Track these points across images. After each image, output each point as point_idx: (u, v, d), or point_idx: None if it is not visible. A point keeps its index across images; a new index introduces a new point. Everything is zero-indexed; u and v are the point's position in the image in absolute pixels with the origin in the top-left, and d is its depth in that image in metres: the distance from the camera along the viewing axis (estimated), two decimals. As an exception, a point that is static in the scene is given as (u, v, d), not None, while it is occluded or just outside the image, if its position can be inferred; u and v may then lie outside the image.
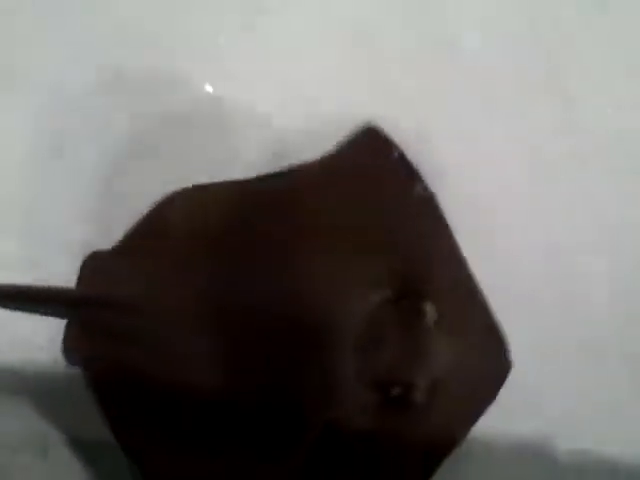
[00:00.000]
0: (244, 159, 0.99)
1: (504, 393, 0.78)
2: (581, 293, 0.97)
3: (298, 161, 0.87)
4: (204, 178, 0.89)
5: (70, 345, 0.83)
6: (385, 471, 0.77)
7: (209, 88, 1.02)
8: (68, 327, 0.84)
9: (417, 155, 0.86)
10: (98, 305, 0.84)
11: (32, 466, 0.91)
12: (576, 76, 1.04)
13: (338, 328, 0.77)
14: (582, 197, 1.01)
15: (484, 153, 1.02)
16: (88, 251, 0.87)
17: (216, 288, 0.81)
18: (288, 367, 0.77)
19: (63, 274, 0.85)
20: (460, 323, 0.79)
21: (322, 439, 0.76)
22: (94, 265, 0.87)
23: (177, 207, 0.87)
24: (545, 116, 1.03)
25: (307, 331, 0.77)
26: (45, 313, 0.84)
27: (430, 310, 0.78)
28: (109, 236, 0.88)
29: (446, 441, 0.77)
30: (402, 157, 0.84)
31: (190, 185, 0.88)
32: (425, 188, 0.84)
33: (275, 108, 1.01)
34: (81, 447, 0.91)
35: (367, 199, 0.84)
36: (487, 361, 0.79)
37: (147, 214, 0.87)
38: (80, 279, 0.86)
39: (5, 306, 0.82)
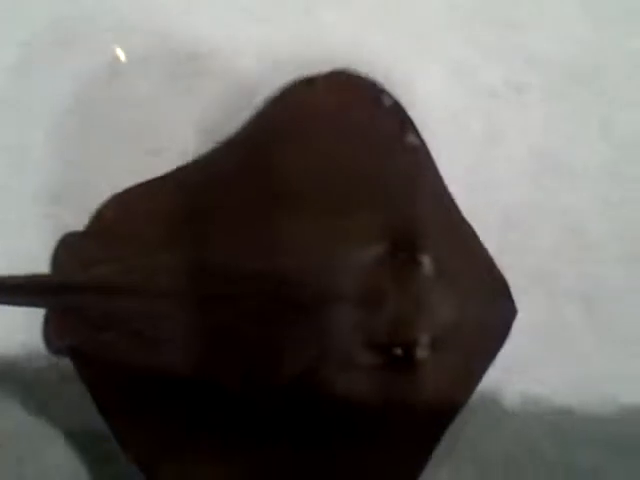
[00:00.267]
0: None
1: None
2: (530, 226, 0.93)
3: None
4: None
5: (52, 334, 0.79)
6: (393, 436, 0.72)
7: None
8: (47, 316, 0.79)
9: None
10: (76, 290, 0.78)
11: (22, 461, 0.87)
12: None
13: (333, 288, 0.72)
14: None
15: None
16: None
17: (197, 264, 0.77)
18: (281, 334, 0.73)
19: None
20: (460, 273, 0.74)
21: (322, 405, 0.72)
22: (68, 248, 0.82)
23: (139, 194, 0.82)
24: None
25: (300, 294, 0.73)
26: (20, 303, 0.79)
27: (428, 261, 0.73)
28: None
29: (455, 397, 0.73)
30: (394, 104, 0.80)
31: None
32: (416, 137, 0.79)
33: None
34: (71, 439, 0.86)
35: (354, 149, 0.79)
36: (491, 309, 0.74)
37: (112, 197, 0.82)
38: (54, 263, 0.82)
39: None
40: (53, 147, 0.94)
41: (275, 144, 0.81)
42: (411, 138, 0.80)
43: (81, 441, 0.85)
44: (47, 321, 0.79)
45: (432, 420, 0.72)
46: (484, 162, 0.94)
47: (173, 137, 0.93)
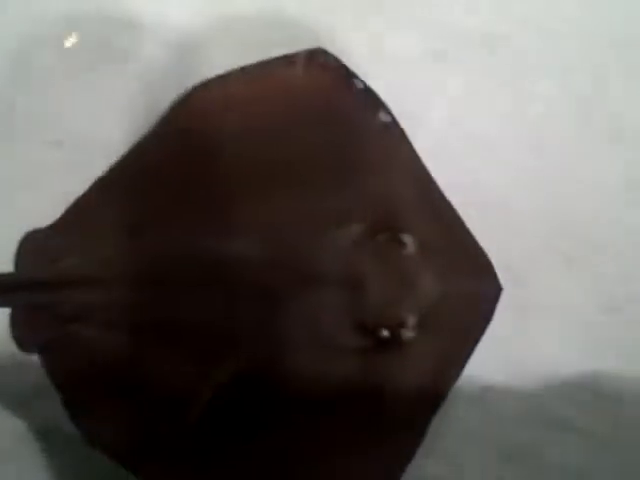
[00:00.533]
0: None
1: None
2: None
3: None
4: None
5: (20, 333, 0.76)
6: (384, 420, 0.71)
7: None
8: (13, 314, 0.76)
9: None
10: (40, 286, 0.76)
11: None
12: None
13: (314, 272, 0.71)
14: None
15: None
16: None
17: (164, 252, 0.75)
18: (261, 318, 0.71)
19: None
20: (442, 251, 0.74)
21: (308, 391, 0.71)
22: (32, 245, 0.79)
23: (112, 182, 0.80)
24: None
25: (280, 279, 0.71)
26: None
27: (410, 241, 0.72)
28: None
29: (444, 377, 0.72)
30: (365, 87, 0.79)
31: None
32: (388, 114, 0.78)
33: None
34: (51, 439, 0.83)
35: (326, 130, 0.78)
36: (476, 287, 0.73)
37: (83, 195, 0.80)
38: (18, 261, 0.78)
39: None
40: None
41: (246, 125, 0.78)
42: (383, 116, 0.79)
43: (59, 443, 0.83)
44: (15, 319, 0.76)
45: (422, 402, 0.71)
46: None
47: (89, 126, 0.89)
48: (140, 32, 0.93)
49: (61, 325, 0.75)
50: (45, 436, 0.83)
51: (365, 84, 0.80)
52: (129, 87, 0.90)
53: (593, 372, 0.88)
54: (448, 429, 0.82)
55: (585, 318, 0.88)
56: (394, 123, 0.79)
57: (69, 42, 0.92)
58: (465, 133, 0.91)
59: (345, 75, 0.80)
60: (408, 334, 0.70)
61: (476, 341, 0.72)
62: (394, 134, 0.78)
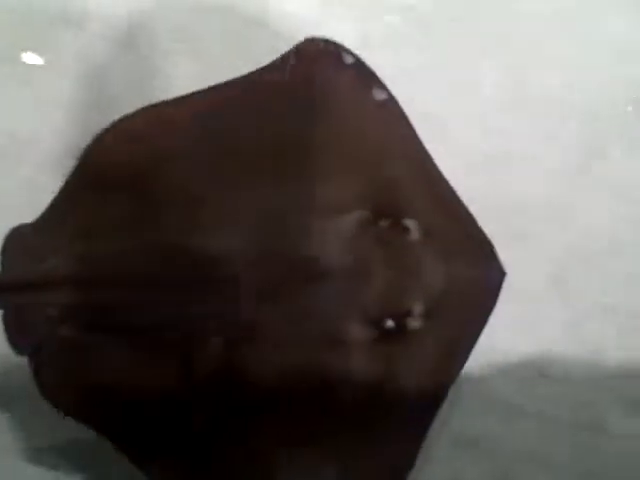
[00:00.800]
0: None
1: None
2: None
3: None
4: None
5: (13, 335, 0.73)
6: (391, 412, 0.70)
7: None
8: (5, 316, 0.74)
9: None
10: (30, 287, 0.73)
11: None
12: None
13: (316, 262, 0.69)
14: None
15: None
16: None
17: (158, 247, 0.72)
18: (261, 312, 0.69)
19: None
20: (445, 235, 0.71)
21: (314, 383, 0.69)
22: (17, 243, 0.75)
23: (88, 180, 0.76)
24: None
25: (281, 270, 0.69)
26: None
27: (413, 226, 0.70)
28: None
29: (450, 366, 0.70)
30: (356, 62, 0.75)
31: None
32: (383, 91, 0.75)
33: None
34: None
35: (322, 115, 0.74)
36: (480, 272, 0.71)
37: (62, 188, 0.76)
38: (4, 261, 0.75)
39: None
40: None
41: (237, 121, 0.75)
42: (378, 93, 0.76)
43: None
44: (7, 321, 0.73)
45: (429, 391, 0.69)
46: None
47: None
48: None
49: (51, 327, 0.72)
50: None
51: (356, 58, 0.76)
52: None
53: (540, 354, 0.88)
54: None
55: (532, 297, 0.88)
56: (390, 100, 0.75)
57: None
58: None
59: (335, 52, 0.76)
60: (414, 323, 0.68)
61: (481, 327, 0.71)
62: (391, 113, 0.75)
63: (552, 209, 0.92)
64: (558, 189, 0.93)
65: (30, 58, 0.92)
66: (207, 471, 0.70)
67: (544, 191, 0.92)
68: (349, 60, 0.75)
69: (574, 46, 0.95)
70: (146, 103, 0.76)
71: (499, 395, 0.87)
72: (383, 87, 0.76)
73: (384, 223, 0.70)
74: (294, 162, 0.72)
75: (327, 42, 0.76)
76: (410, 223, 0.70)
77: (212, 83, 0.76)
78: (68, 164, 0.76)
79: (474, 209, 0.73)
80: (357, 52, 0.76)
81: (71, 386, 0.71)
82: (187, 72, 0.93)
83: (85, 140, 0.76)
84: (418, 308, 0.68)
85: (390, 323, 0.68)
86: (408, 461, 0.69)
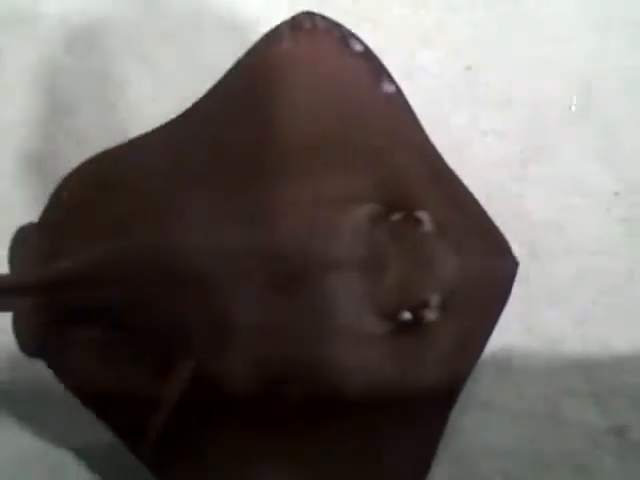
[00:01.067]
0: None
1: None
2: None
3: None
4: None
5: (25, 338, 0.73)
6: (407, 404, 0.69)
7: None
8: (16, 318, 0.73)
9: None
10: (41, 287, 0.72)
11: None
12: None
13: (330, 257, 0.68)
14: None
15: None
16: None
17: (170, 244, 0.71)
18: (275, 308, 0.68)
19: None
20: (457, 227, 0.71)
21: (331, 380, 0.68)
22: (24, 243, 0.75)
23: (103, 168, 0.76)
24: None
25: (294, 266, 0.68)
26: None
27: (426, 218, 0.69)
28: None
29: (466, 358, 0.70)
30: (365, 50, 0.74)
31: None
32: (391, 84, 0.75)
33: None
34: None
35: (329, 105, 0.74)
36: (492, 263, 0.71)
37: (66, 179, 0.76)
38: (12, 261, 0.74)
39: None
40: None
41: (243, 106, 0.74)
42: (386, 86, 0.75)
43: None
44: (17, 323, 0.73)
45: (446, 384, 0.69)
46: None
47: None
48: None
49: (63, 327, 0.71)
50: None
51: (365, 46, 0.75)
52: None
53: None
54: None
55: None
56: (398, 93, 0.75)
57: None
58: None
59: (340, 37, 0.75)
60: (431, 315, 0.68)
61: (496, 318, 0.70)
62: (399, 106, 0.75)
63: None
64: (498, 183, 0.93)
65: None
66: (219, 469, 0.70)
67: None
68: (358, 48, 0.75)
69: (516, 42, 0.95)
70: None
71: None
72: (392, 79, 0.75)
73: (396, 216, 0.69)
74: (300, 154, 0.72)
75: (329, 21, 0.75)
76: (422, 215, 0.69)
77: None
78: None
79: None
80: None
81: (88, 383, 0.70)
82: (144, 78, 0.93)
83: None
84: (435, 299, 0.68)
85: (407, 315, 0.68)
86: (428, 455, 0.69)
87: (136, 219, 0.71)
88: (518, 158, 0.90)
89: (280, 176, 0.71)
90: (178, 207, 0.71)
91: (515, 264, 0.71)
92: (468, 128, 0.94)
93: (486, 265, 0.70)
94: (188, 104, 0.75)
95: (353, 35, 0.75)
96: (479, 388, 0.84)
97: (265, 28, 0.74)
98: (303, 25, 0.75)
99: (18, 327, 0.73)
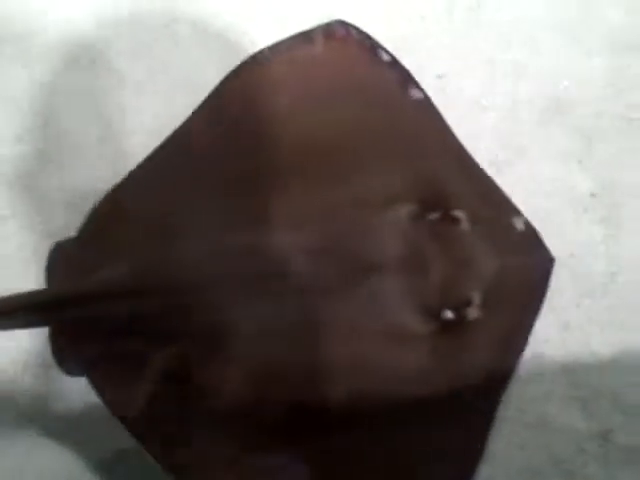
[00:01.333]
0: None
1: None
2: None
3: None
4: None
5: (62, 354, 0.72)
6: (453, 404, 0.69)
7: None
8: (54, 335, 0.73)
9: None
10: (83, 300, 0.71)
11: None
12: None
13: (368, 259, 0.68)
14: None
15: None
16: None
17: (213, 251, 0.71)
18: (316, 312, 0.68)
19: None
20: (492, 225, 0.71)
21: (375, 381, 0.68)
22: (62, 257, 0.76)
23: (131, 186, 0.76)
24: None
25: (334, 270, 0.68)
26: (22, 325, 0.72)
27: (462, 216, 0.70)
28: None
29: (509, 355, 0.70)
30: (392, 60, 0.76)
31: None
32: (419, 90, 0.76)
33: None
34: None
35: (357, 111, 0.75)
36: (529, 260, 0.71)
37: (107, 195, 0.76)
38: (49, 276, 0.74)
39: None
40: None
41: (270, 114, 0.75)
42: (414, 92, 0.77)
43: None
44: (55, 340, 0.73)
45: (491, 382, 0.69)
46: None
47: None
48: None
49: (110, 341, 0.71)
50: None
51: (392, 56, 0.77)
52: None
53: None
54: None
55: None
56: (426, 100, 0.77)
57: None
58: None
59: (370, 47, 0.77)
60: (473, 313, 0.68)
61: (536, 314, 0.71)
62: (427, 111, 0.76)
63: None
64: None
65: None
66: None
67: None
68: (385, 57, 0.77)
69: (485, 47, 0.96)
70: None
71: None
72: (419, 86, 0.77)
73: (433, 215, 0.70)
74: (334, 158, 0.73)
75: (360, 31, 0.77)
76: (459, 214, 0.70)
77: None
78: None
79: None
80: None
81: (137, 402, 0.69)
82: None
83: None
84: (476, 297, 0.68)
85: (449, 314, 0.68)
86: (477, 454, 0.68)
87: (178, 223, 0.72)
88: (494, 162, 0.89)
89: (317, 180, 0.72)
90: (221, 208, 0.72)
91: (551, 260, 0.72)
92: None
93: (523, 262, 0.71)
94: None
95: (381, 46, 0.78)
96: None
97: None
98: (337, 33, 0.77)
99: (56, 343, 0.73)
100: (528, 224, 0.74)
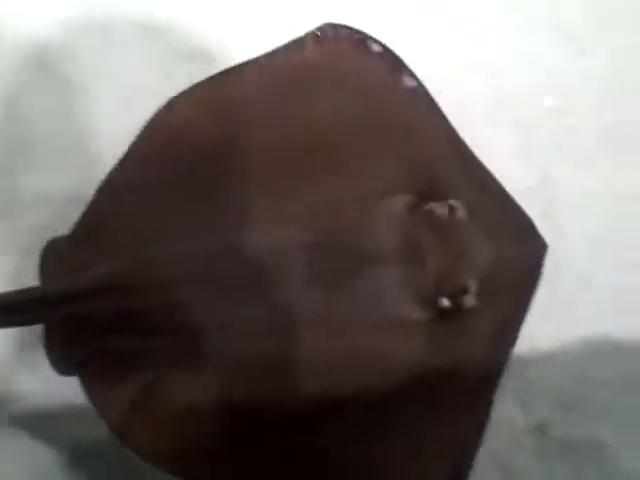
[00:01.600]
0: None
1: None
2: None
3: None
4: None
5: (56, 353, 0.71)
6: (451, 391, 0.69)
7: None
8: (48, 333, 0.72)
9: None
10: (78, 297, 0.70)
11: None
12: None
13: (366, 250, 0.68)
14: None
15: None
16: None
17: (206, 248, 0.70)
18: (316, 304, 0.68)
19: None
20: (487, 213, 0.72)
21: (374, 368, 0.68)
22: (55, 254, 0.74)
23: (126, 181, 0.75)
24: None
25: (333, 262, 0.68)
26: (15, 323, 0.72)
27: (459, 205, 0.70)
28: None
29: (505, 344, 0.70)
30: (383, 49, 0.76)
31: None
32: (412, 78, 0.76)
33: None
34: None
35: (353, 102, 0.75)
36: (523, 248, 0.72)
37: (98, 192, 0.75)
38: (43, 274, 0.73)
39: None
40: None
41: (266, 113, 0.75)
42: (407, 81, 0.77)
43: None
44: (48, 339, 0.72)
45: (488, 370, 0.69)
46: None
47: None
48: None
49: (100, 337, 0.70)
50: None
51: (384, 46, 0.77)
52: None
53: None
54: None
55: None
56: (420, 87, 0.76)
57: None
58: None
59: (360, 40, 0.76)
60: (470, 301, 0.68)
61: (530, 301, 0.71)
62: (422, 99, 0.76)
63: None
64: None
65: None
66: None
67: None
68: (376, 48, 0.76)
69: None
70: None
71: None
72: (412, 74, 0.76)
73: (430, 205, 0.70)
74: (331, 150, 0.72)
75: (350, 29, 0.76)
76: (455, 203, 0.70)
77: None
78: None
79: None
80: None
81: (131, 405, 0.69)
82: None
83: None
84: (474, 285, 0.68)
85: (446, 302, 0.68)
86: (475, 439, 0.69)
87: (172, 219, 0.71)
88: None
89: (314, 173, 0.71)
90: (218, 204, 0.71)
91: (544, 247, 0.72)
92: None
93: (517, 250, 0.71)
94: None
95: (372, 38, 0.77)
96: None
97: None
98: (327, 35, 0.76)
99: (49, 342, 0.72)
100: (522, 212, 0.74)
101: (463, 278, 0.68)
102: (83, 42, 0.92)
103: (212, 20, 0.94)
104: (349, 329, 0.68)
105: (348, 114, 0.74)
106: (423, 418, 0.69)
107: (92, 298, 0.69)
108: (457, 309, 0.68)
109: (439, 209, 0.70)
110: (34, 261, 0.74)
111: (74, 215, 0.74)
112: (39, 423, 0.83)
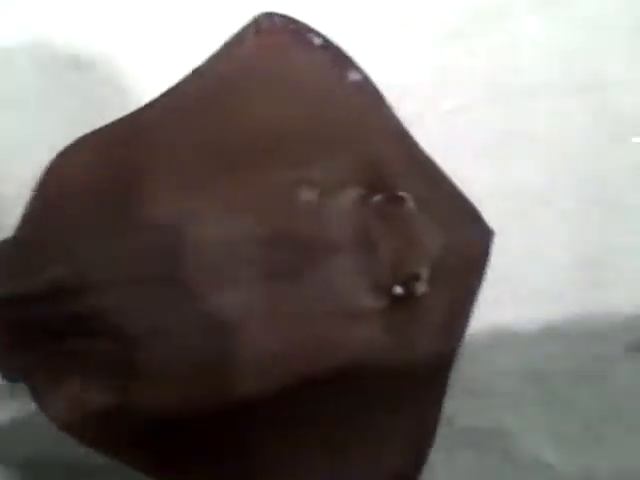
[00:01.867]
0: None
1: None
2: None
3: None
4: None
5: (4, 359, 0.70)
6: (406, 378, 0.71)
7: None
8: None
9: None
10: (26, 301, 0.70)
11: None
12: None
13: (318, 242, 0.70)
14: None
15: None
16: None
17: (157, 242, 0.70)
18: (271, 296, 0.69)
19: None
20: (435, 204, 0.74)
21: (330, 358, 0.70)
22: (2, 258, 0.72)
23: (73, 164, 0.74)
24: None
25: (286, 254, 0.69)
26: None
27: (407, 197, 0.72)
28: None
29: (456, 330, 0.72)
30: (325, 42, 0.77)
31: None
32: (358, 72, 0.77)
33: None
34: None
35: (298, 98, 0.76)
36: (470, 235, 0.74)
37: (39, 186, 0.74)
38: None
39: None
40: None
41: (215, 106, 0.75)
42: (353, 75, 0.78)
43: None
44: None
45: (441, 356, 0.71)
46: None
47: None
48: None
49: (51, 342, 0.69)
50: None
51: (325, 39, 0.77)
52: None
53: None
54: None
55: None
56: (366, 80, 0.78)
57: None
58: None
59: (300, 33, 0.77)
60: (422, 288, 0.70)
61: (479, 287, 0.73)
62: (367, 93, 0.77)
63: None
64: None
65: None
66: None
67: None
68: (317, 41, 0.77)
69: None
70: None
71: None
72: (357, 68, 0.78)
73: (380, 197, 0.72)
74: (275, 146, 0.73)
75: (286, 18, 0.77)
76: (404, 194, 0.72)
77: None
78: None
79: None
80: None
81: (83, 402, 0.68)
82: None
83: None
84: (425, 272, 0.70)
85: (399, 290, 0.70)
86: (430, 428, 0.71)
87: (125, 218, 0.71)
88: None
89: (260, 167, 0.72)
90: (165, 197, 0.71)
91: (491, 233, 0.74)
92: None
93: (464, 237, 0.73)
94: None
95: (312, 30, 0.78)
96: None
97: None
98: (263, 25, 0.77)
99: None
100: (467, 200, 0.76)
101: (414, 266, 0.70)
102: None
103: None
104: (306, 320, 0.69)
105: (293, 109, 0.75)
106: (379, 404, 0.71)
107: (37, 302, 0.69)
108: (409, 296, 0.70)
109: (388, 200, 0.71)
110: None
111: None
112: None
